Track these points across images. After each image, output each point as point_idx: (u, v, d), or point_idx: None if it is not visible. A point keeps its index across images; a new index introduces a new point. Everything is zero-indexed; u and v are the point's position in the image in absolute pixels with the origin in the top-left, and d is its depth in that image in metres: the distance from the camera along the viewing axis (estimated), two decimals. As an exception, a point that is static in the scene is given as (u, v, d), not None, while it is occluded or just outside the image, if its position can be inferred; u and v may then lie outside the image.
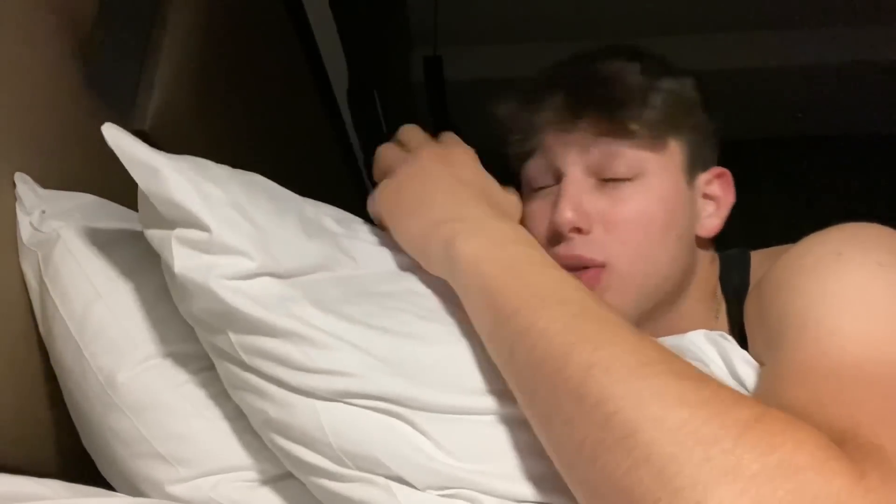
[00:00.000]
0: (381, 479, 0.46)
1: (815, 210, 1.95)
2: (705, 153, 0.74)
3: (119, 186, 0.70)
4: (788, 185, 2.12)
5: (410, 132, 0.67)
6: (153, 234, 0.51)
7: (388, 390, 0.48)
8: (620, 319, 0.46)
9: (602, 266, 0.67)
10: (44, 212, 0.57)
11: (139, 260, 0.57)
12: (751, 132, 1.98)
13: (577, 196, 0.67)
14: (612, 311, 0.47)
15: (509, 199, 0.66)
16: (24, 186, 0.58)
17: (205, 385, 0.53)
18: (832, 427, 0.40)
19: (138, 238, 0.58)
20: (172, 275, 0.50)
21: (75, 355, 0.53)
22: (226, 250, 0.49)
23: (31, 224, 0.57)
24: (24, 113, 0.60)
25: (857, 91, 1.95)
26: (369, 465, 0.46)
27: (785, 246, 0.68)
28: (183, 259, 0.49)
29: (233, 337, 0.49)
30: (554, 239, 0.68)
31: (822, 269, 0.54)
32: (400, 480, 0.46)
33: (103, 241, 0.57)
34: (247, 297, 0.48)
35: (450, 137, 0.67)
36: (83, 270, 0.55)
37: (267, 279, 0.50)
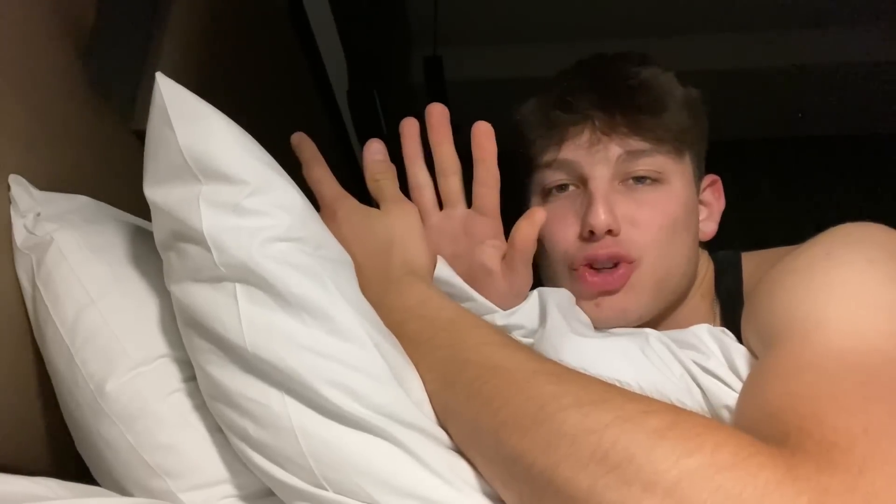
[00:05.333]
0: None
1: (814, 210, 1.95)
2: (702, 163, 0.77)
3: (117, 187, 0.70)
4: (788, 185, 2.12)
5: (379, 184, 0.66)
6: (167, 192, 0.50)
7: (389, 401, 0.47)
8: (516, 360, 0.48)
9: (633, 262, 0.69)
10: (38, 214, 0.57)
11: (133, 264, 0.56)
12: (751, 132, 1.98)
13: (609, 197, 0.69)
14: (507, 349, 0.49)
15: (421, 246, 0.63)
16: (19, 188, 0.58)
17: (193, 394, 0.52)
18: (800, 424, 0.40)
19: (133, 242, 0.58)
20: (192, 234, 0.48)
21: (67, 361, 0.53)
22: (261, 209, 0.49)
23: (24, 227, 0.57)
24: (22, 113, 0.60)
25: (857, 91, 1.96)
26: (350, 491, 0.45)
27: (777, 249, 0.69)
28: (212, 217, 0.48)
29: (242, 305, 0.47)
30: (585, 239, 0.70)
31: (811, 268, 0.55)
32: None
33: (97, 245, 0.56)
34: (276, 259, 0.48)
35: (388, 197, 0.65)
36: (76, 275, 0.54)
37: (298, 245, 0.49)
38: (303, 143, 0.68)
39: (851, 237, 0.57)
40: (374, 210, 0.64)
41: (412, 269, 0.60)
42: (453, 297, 0.63)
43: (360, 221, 0.62)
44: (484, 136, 0.66)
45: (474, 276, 0.68)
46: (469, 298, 0.65)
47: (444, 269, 0.65)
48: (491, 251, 0.68)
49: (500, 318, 0.64)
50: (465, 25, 1.89)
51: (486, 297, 0.65)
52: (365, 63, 1.78)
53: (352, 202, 0.64)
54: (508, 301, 0.67)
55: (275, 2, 1.36)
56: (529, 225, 0.65)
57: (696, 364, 0.58)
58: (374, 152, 0.67)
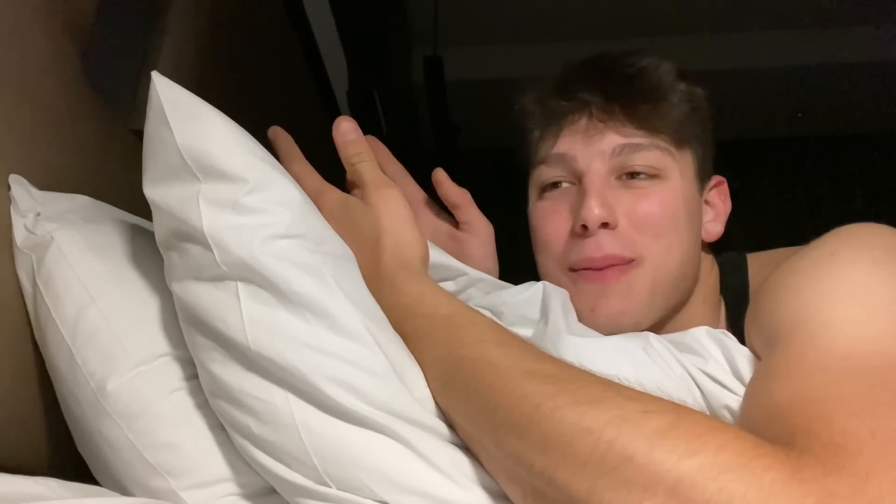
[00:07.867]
0: (367, 501, 0.45)
1: (815, 209, 1.96)
2: (708, 163, 0.75)
3: (116, 187, 0.70)
4: (788, 185, 2.12)
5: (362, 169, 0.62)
6: (167, 191, 0.50)
7: (391, 398, 0.47)
8: (512, 358, 0.47)
9: (631, 261, 0.67)
10: (38, 214, 0.57)
11: (133, 263, 0.56)
12: (751, 132, 1.98)
13: (603, 191, 0.67)
14: (503, 347, 0.48)
15: (416, 237, 0.59)
16: (19, 188, 0.58)
17: (194, 393, 0.52)
18: (807, 426, 0.40)
19: (133, 241, 0.58)
20: (192, 233, 0.48)
21: (68, 360, 0.53)
22: (261, 206, 0.49)
23: (25, 227, 0.57)
24: (22, 114, 0.60)
25: (857, 91, 1.96)
26: (354, 487, 0.45)
27: (783, 249, 0.68)
28: (212, 216, 0.48)
29: (244, 304, 0.47)
30: (579, 235, 0.68)
31: (816, 269, 0.55)
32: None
33: (97, 245, 0.56)
34: (277, 257, 0.48)
35: (378, 181, 0.61)
36: (76, 274, 0.54)
37: (299, 242, 0.49)
38: (279, 137, 0.65)
39: (856, 238, 0.56)
40: (357, 201, 0.59)
41: (405, 262, 0.57)
42: (448, 276, 0.67)
43: (344, 216, 0.58)
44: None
45: (446, 247, 0.71)
46: (462, 273, 0.68)
47: (435, 254, 0.64)
48: (444, 221, 0.74)
49: (507, 296, 0.65)
50: (465, 25, 1.89)
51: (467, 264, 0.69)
52: (365, 63, 1.78)
53: (335, 195, 0.61)
54: (485, 260, 0.73)
55: (275, 2, 1.36)
56: (438, 183, 0.72)
57: (695, 367, 0.58)
58: (345, 132, 0.63)
